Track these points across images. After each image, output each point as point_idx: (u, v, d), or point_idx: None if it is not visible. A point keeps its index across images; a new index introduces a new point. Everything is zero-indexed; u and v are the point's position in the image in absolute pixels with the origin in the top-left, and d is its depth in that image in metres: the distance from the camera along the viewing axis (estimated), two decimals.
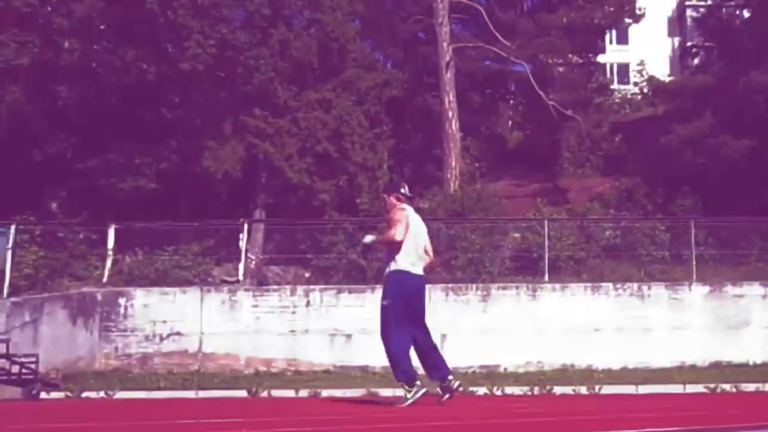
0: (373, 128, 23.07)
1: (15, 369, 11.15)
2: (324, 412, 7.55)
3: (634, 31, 38.41)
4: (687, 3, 41.43)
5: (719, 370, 13.72)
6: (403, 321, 7.55)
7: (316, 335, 14.60)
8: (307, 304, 14.76)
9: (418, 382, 7.48)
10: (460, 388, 7.83)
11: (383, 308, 7.65)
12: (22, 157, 20.97)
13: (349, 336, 14.54)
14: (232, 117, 22.23)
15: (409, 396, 7.42)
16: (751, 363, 14.23)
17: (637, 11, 30.72)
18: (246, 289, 15.22)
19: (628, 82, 40.35)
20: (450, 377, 7.66)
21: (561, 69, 30.24)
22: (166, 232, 16.66)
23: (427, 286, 8.13)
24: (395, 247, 7.66)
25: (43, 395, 11.28)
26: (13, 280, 14.39)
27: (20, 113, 20.93)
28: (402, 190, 8.01)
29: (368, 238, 8.15)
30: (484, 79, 31.89)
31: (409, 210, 7.89)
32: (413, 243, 7.69)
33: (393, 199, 8.00)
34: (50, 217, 20.36)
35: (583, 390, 11.74)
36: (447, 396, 7.63)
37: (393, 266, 7.68)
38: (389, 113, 24.62)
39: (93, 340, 14.32)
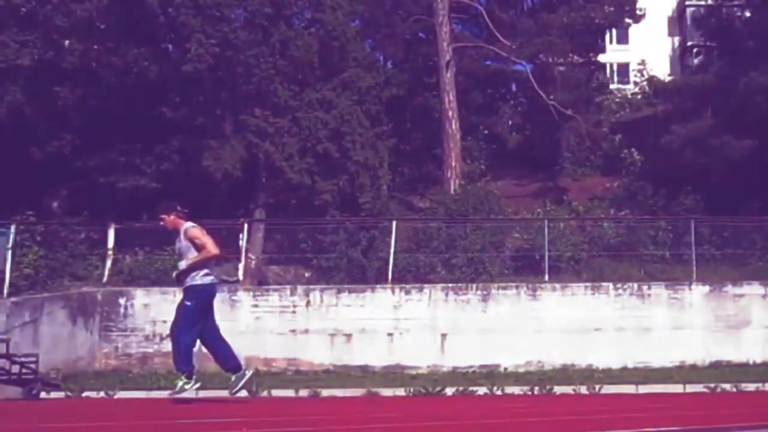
0: (373, 128, 23.03)
1: (15, 369, 11.12)
2: (324, 412, 7.55)
3: (634, 30, 38.27)
4: (687, 3, 41.33)
5: (719, 369, 13.72)
6: (200, 321, 8.18)
7: (316, 335, 14.59)
8: (308, 303, 14.76)
9: (195, 377, 8.22)
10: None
11: (186, 308, 8.21)
12: (22, 157, 20.93)
13: (349, 336, 14.53)
14: (233, 116, 22.20)
15: (187, 387, 8.14)
16: (751, 363, 14.23)
17: (638, 11, 30.71)
18: (246, 289, 15.20)
19: (628, 82, 40.28)
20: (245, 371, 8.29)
21: (561, 69, 30.19)
22: (166, 232, 16.55)
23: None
24: (214, 258, 8.44)
25: (43, 395, 11.26)
26: (13, 280, 14.36)
27: (20, 113, 20.91)
28: (179, 208, 8.54)
29: (182, 264, 8.39)
30: (484, 79, 31.86)
31: None
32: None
33: (174, 217, 8.53)
34: (50, 216, 20.33)
35: (583, 390, 11.74)
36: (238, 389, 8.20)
37: (203, 275, 8.27)
38: (389, 113, 24.58)
39: (93, 340, 14.31)
